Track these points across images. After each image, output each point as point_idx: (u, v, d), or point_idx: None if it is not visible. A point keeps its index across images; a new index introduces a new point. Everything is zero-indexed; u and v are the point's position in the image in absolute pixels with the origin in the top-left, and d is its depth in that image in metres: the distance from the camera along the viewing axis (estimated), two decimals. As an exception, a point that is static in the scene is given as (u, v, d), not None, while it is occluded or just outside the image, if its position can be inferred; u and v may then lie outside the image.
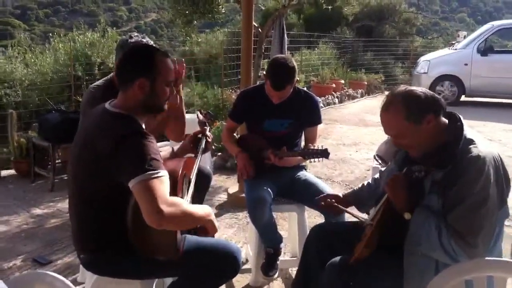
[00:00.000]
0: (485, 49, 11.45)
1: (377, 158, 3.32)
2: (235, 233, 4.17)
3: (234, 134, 3.50)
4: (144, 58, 2.09)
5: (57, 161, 5.47)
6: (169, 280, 2.46)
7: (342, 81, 12.40)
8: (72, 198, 2.15)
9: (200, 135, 2.71)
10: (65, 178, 5.05)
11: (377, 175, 2.61)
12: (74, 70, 7.46)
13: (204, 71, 11.63)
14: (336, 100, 11.60)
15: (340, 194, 2.61)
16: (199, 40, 12.79)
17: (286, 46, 7.10)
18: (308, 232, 2.66)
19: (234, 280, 3.15)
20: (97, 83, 2.93)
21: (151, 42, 2.85)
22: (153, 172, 1.84)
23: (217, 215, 4.48)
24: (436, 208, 1.99)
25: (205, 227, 2.09)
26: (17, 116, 6.00)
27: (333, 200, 2.51)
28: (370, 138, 7.90)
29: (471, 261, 1.89)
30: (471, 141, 1.99)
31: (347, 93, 12.34)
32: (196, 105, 8.11)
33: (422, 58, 12.68)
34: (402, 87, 2.11)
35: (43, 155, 5.62)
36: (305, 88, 3.59)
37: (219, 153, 6.22)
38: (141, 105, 2.08)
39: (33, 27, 71.14)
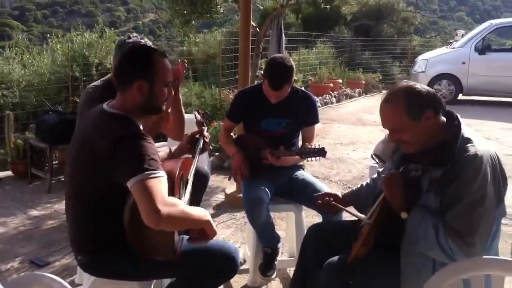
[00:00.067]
0: (483, 48, 11.46)
1: (374, 157, 3.31)
2: (233, 233, 4.16)
3: (232, 134, 3.49)
4: (142, 59, 2.09)
5: (54, 162, 5.46)
6: (167, 281, 2.46)
7: (340, 81, 12.41)
8: (69, 199, 2.14)
9: (197, 135, 2.71)
10: (62, 179, 5.03)
11: (375, 175, 2.60)
12: (71, 71, 7.46)
13: (202, 71, 11.63)
14: (334, 100, 11.61)
15: (339, 194, 2.60)
16: (197, 40, 12.80)
17: (284, 45, 7.09)
18: (305, 231, 2.66)
19: (232, 280, 3.14)
20: (95, 83, 2.93)
21: (150, 43, 2.85)
22: (151, 172, 1.83)
23: (215, 215, 4.48)
24: (433, 206, 1.99)
25: (203, 231, 2.07)
26: (14, 117, 6.00)
27: (331, 199, 2.49)
28: (368, 137, 7.91)
29: (469, 260, 1.89)
30: (468, 140, 1.98)
31: (345, 92, 12.34)
32: (194, 105, 8.11)
33: (420, 57, 12.69)
34: (403, 82, 2.12)
35: (40, 156, 5.60)
36: (302, 88, 3.59)
37: (217, 153, 6.21)
38: (139, 107, 2.08)
39: (31, 28, 71.10)
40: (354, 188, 2.66)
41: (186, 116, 3.13)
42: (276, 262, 3.11)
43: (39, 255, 3.71)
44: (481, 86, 11.29)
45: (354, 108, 11.16)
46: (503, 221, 2.13)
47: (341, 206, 2.42)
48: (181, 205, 1.90)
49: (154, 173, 1.84)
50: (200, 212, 2.03)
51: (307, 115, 3.24)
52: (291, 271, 3.31)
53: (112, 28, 10.02)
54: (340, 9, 14.93)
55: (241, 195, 3.41)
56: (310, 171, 5.09)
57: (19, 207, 4.79)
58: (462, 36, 13.20)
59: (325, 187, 3.09)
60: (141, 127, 2.09)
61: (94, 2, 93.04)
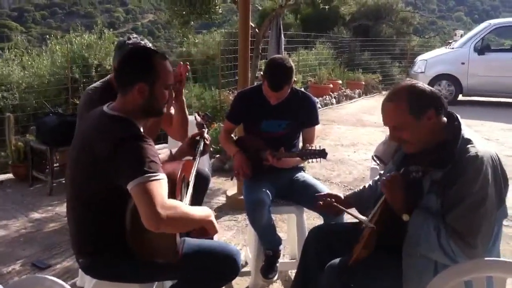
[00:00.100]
0: (482, 48, 11.46)
1: (375, 158, 3.31)
2: (234, 236, 4.16)
3: (232, 135, 3.49)
4: (142, 61, 2.09)
5: (55, 165, 5.45)
6: (168, 283, 2.46)
7: (340, 81, 12.40)
8: (70, 201, 2.14)
9: (198, 137, 2.71)
10: (63, 181, 5.04)
11: (377, 177, 2.60)
12: (71, 72, 7.45)
13: (201, 72, 11.63)
14: (334, 101, 11.61)
15: (341, 195, 2.59)
16: (196, 41, 12.80)
17: (283, 46, 7.10)
18: (307, 233, 2.66)
19: (233, 282, 3.15)
20: (95, 85, 2.92)
21: (149, 44, 2.85)
22: (151, 174, 1.84)
23: (216, 218, 4.41)
24: (434, 208, 1.99)
25: (204, 228, 2.08)
26: (14, 120, 5.99)
27: (333, 200, 2.48)
28: (368, 139, 7.90)
29: (470, 262, 1.89)
30: (469, 141, 1.99)
31: (345, 93, 12.34)
32: (194, 106, 8.10)
33: (419, 58, 12.69)
34: (407, 81, 2.13)
35: (41, 159, 5.60)
36: (302, 89, 3.58)
37: (218, 155, 6.21)
38: (140, 109, 2.08)
39: (30, 29, 71.07)
40: (356, 190, 2.65)
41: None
42: (277, 264, 3.11)
43: (41, 258, 3.71)
44: (481, 86, 11.29)
45: (354, 109, 11.17)
46: (505, 222, 2.14)
47: (342, 208, 2.41)
48: (181, 207, 1.90)
49: (154, 176, 1.84)
50: (202, 212, 2.04)
51: (307, 116, 3.24)
52: (292, 273, 3.31)
53: (111, 29, 9.99)
54: (338, 10, 14.91)
55: (242, 197, 3.42)
56: (311, 172, 5.10)
57: (20, 210, 4.78)
58: (461, 36, 13.21)
59: (326, 189, 3.09)
60: (141, 129, 2.10)
61: (93, 3, 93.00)
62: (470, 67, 11.30)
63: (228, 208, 4.78)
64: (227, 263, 2.22)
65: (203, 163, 3.35)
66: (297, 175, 3.24)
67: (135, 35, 2.92)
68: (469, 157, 1.92)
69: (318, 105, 8.22)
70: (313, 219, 3.94)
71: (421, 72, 11.82)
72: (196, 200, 2.73)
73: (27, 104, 7.29)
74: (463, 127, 2.06)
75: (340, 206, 2.42)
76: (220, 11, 7.36)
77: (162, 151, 2.75)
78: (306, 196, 3.06)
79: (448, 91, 11.43)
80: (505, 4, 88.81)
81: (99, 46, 8.25)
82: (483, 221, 1.91)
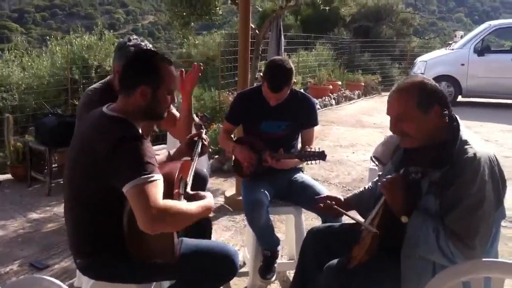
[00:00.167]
0: (482, 49, 11.47)
1: (374, 159, 3.31)
2: (232, 236, 4.16)
3: (232, 136, 3.49)
4: (148, 65, 2.09)
5: (53, 165, 5.45)
6: (166, 284, 2.47)
7: (339, 82, 12.41)
8: (67, 201, 2.14)
9: (196, 138, 2.71)
10: (62, 182, 5.04)
11: (376, 178, 2.60)
12: (71, 73, 7.45)
13: (201, 73, 11.62)
14: (333, 102, 11.61)
15: (341, 197, 2.57)
16: (197, 42, 12.83)
17: (283, 47, 7.11)
18: (305, 234, 2.65)
19: (231, 283, 3.15)
20: (94, 86, 2.92)
21: (150, 45, 2.85)
22: (147, 176, 1.83)
23: (214, 218, 4.48)
24: (433, 209, 1.99)
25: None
26: (13, 120, 5.99)
27: (333, 202, 2.47)
28: (367, 140, 7.91)
29: (468, 262, 1.89)
30: (467, 142, 1.99)
31: (344, 94, 12.35)
32: (193, 107, 8.08)
33: (419, 59, 12.70)
34: (419, 76, 2.13)
35: (40, 159, 5.59)
36: (302, 90, 3.58)
37: (216, 156, 6.21)
38: (141, 112, 2.08)
39: (30, 30, 71.07)
40: (356, 192, 2.64)
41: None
42: (275, 265, 3.11)
43: (39, 258, 3.71)
44: (480, 87, 11.29)
45: (354, 110, 11.17)
46: (503, 223, 2.13)
47: (342, 210, 2.39)
48: (176, 205, 1.90)
49: (150, 177, 1.84)
50: (199, 205, 2.02)
51: (306, 117, 3.24)
52: (290, 273, 3.31)
53: (111, 31, 10.01)
54: (339, 11, 14.98)
55: (240, 197, 3.41)
56: (309, 173, 5.09)
57: (19, 210, 4.78)
58: (461, 37, 13.20)
59: (324, 190, 3.10)
60: (140, 131, 2.10)
61: (93, 4, 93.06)
62: (470, 68, 11.30)
63: (226, 209, 4.78)
64: (225, 264, 2.23)
65: (202, 163, 3.36)
66: (295, 175, 3.24)
67: (135, 37, 2.91)
68: (467, 158, 1.92)
69: (318, 106, 8.23)
70: (311, 220, 3.94)
71: (421, 73, 11.80)
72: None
73: (27, 105, 7.29)
74: (461, 128, 2.06)
75: (340, 209, 2.40)
76: (221, 12, 7.38)
77: (160, 152, 2.75)
78: (304, 197, 3.06)
79: (447, 92, 11.41)
80: (505, 5, 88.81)
81: (99, 47, 8.25)
82: (481, 223, 1.91)
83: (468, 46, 11.54)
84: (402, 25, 19.44)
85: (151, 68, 2.08)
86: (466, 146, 1.96)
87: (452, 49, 12.15)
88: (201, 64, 2.88)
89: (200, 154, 2.66)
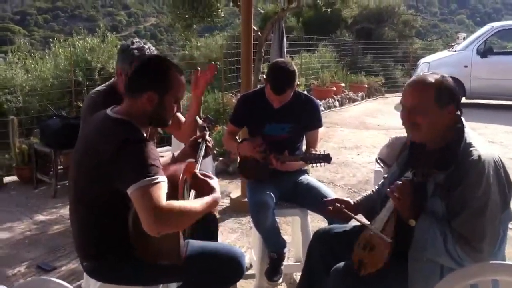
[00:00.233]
0: (485, 51, 11.43)
1: (379, 161, 3.32)
2: (239, 238, 4.17)
3: (236, 138, 3.49)
4: (159, 72, 2.11)
5: (59, 167, 5.47)
6: (173, 286, 2.47)
7: (343, 84, 12.40)
8: (72, 203, 2.15)
9: (200, 140, 2.71)
10: (67, 184, 5.05)
11: (382, 181, 2.60)
12: (74, 75, 7.48)
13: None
14: (337, 103, 11.60)
15: (351, 200, 2.53)
16: (199, 44, 12.83)
17: (285, 49, 7.12)
18: (311, 236, 2.65)
19: (238, 285, 3.14)
20: (98, 88, 2.93)
21: (153, 48, 2.85)
22: (151, 178, 1.84)
23: (220, 220, 4.47)
24: (440, 212, 1.99)
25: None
26: (18, 122, 6.01)
27: (343, 206, 2.41)
28: (372, 141, 7.90)
29: (476, 265, 1.89)
30: (472, 143, 1.99)
31: (348, 96, 12.33)
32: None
33: (422, 60, 12.67)
34: (438, 73, 2.13)
35: (45, 161, 5.62)
36: (305, 92, 3.59)
37: (221, 158, 6.22)
38: (146, 116, 2.09)
39: (32, 33, 71.13)
40: (364, 195, 2.60)
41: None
42: (282, 267, 3.11)
43: (46, 260, 3.72)
44: (483, 89, 11.26)
45: (357, 112, 11.15)
46: (510, 225, 2.13)
47: (352, 215, 2.35)
48: (180, 205, 1.89)
49: (154, 179, 1.84)
50: (203, 201, 2.02)
51: (310, 119, 3.24)
52: (297, 276, 3.31)
53: (114, 33, 10.05)
54: (341, 13, 14.98)
55: (246, 199, 3.42)
56: (314, 175, 5.09)
57: (25, 212, 4.80)
58: (464, 39, 13.19)
59: (330, 192, 3.09)
60: (144, 134, 2.11)
61: (95, 6, 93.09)
62: (473, 70, 11.28)
63: (232, 211, 4.79)
64: (231, 266, 2.23)
65: (207, 165, 3.36)
66: (300, 177, 3.25)
67: (137, 39, 2.92)
68: (471, 161, 1.92)
69: (321, 108, 8.23)
70: (317, 222, 3.94)
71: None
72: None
73: (31, 107, 7.32)
74: (466, 129, 2.06)
75: (349, 213, 2.35)
76: (223, 15, 7.39)
77: (165, 154, 2.75)
78: (310, 199, 3.06)
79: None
80: (508, 7, 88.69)
81: (102, 49, 8.28)
82: (487, 225, 1.91)
83: (471, 47, 11.52)
84: (404, 27, 19.44)
85: (162, 75, 2.09)
86: (471, 148, 1.96)
87: (455, 51, 12.13)
88: (217, 63, 2.88)
89: (204, 156, 2.66)
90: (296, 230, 3.37)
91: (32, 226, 4.44)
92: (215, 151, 6.04)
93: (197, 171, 2.28)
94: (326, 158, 2.91)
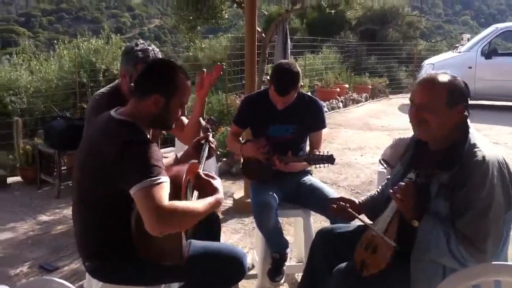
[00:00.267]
0: (489, 52, 11.40)
1: (382, 162, 3.31)
2: (241, 239, 4.17)
3: (240, 139, 3.49)
4: (168, 75, 2.13)
5: (63, 168, 5.48)
6: (175, 286, 2.47)
7: (346, 85, 12.38)
8: (75, 204, 2.16)
9: (203, 141, 2.72)
10: (71, 184, 5.06)
11: (385, 181, 2.59)
12: (79, 77, 7.50)
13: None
14: (341, 104, 11.59)
15: (355, 200, 2.51)
16: (203, 45, 12.85)
17: (289, 51, 7.11)
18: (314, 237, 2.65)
19: (240, 285, 3.15)
20: (102, 90, 2.94)
21: (157, 50, 2.86)
22: (154, 178, 1.85)
23: (223, 221, 4.48)
24: (444, 212, 1.98)
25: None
26: (22, 123, 6.03)
27: (347, 205, 2.39)
28: (375, 142, 7.88)
29: (479, 266, 1.89)
30: (476, 144, 1.99)
31: (352, 97, 12.31)
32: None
33: (426, 62, 12.64)
34: (449, 73, 2.13)
35: (49, 162, 5.63)
36: (309, 93, 3.59)
37: (224, 159, 6.22)
38: (150, 118, 2.11)
39: (37, 34, 71.30)
40: (368, 195, 2.59)
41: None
42: (284, 268, 3.11)
43: (48, 260, 3.74)
44: (488, 90, 11.22)
45: (361, 113, 11.13)
46: (512, 226, 2.13)
47: (355, 214, 2.33)
48: (183, 206, 1.89)
49: (156, 179, 1.85)
50: (206, 202, 2.02)
51: (314, 120, 3.24)
52: (299, 276, 3.30)
53: (118, 34, 10.08)
54: (344, 14, 14.95)
55: (249, 200, 3.42)
56: (318, 176, 5.07)
57: (28, 213, 4.81)
58: (468, 40, 13.14)
59: (333, 192, 3.09)
60: (148, 135, 2.11)
61: (100, 8, 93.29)
62: (477, 71, 11.24)
63: (235, 211, 4.79)
64: (233, 266, 2.24)
65: (210, 166, 3.37)
66: (304, 178, 3.25)
67: (141, 41, 2.93)
68: (476, 161, 1.92)
69: (325, 109, 8.23)
70: (320, 223, 3.93)
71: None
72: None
73: (35, 108, 7.35)
74: (471, 130, 2.06)
75: (353, 212, 2.34)
76: (227, 16, 7.39)
77: (168, 155, 2.76)
78: (313, 200, 3.06)
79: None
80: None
81: (106, 51, 8.30)
82: (491, 226, 1.91)
83: (475, 49, 11.49)
84: (409, 28, 19.40)
85: (170, 78, 2.12)
86: (475, 149, 1.96)
87: (459, 52, 12.09)
88: (223, 64, 2.88)
89: (207, 157, 2.66)
90: (299, 230, 3.37)
91: (35, 226, 4.46)
92: (218, 152, 6.05)
93: (200, 171, 2.28)
94: (329, 159, 2.91)
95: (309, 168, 3.37)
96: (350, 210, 2.36)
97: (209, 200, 2.05)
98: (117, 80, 2.96)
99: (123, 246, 2.03)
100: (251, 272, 3.39)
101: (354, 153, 7.28)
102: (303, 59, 12.54)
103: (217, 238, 2.74)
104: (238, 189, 5.28)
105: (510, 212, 2.00)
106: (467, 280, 1.84)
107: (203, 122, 2.92)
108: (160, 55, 2.87)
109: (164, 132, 3.26)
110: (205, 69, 2.80)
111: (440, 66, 11.65)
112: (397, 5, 18.59)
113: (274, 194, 3.01)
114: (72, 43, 8.61)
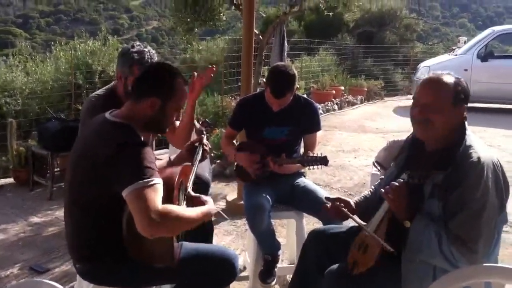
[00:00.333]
0: (485, 55, 11.43)
1: (376, 164, 3.31)
2: (234, 240, 4.16)
3: (234, 141, 3.48)
4: (166, 79, 2.14)
5: (56, 170, 5.46)
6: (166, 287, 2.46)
7: (342, 88, 12.40)
8: (68, 206, 2.16)
9: (197, 144, 2.71)
10: (63, 186, 5.05)
11: (378, 181, 2.59)
12: (74, 78, 7.48)
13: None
14: (336, 107, 11.59)
15: (351, 201, 2.48)
16: (200, 47, 12.84)
17: (286, 53, 7.12)
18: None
19: (231, 287, 3.13)
20: (98, 92, 2.93)
21: (153, 51, 2.86)
22: (146, 180, 1.84)
23: (215, 223, 4.46)
24: (436, 213, 1.98)
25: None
26: (16, 125, 6.01)
27: (342, 204, 2.37)
28: (369, 145, 7.89)
29: (469, 267, 1.89)
30: (472, 146, 1.99)
31: (347, 99, 12.32)
32: (196, 112, 8.09)
33: (422, 64, 12.67)
34: (452, 74, 2.14)
35: (42, 164, 5.61)
36: (304, 95, 3.58)
37: (218, 161, 6.21)
38: (145, 121, 2.11)
39: (34, 36, 71.28)
40: (362, 196, 2.58)
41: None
42: (276, 269, 3.10)
43: (39, 262, 3.72)
44: (484, 93, 11.23)
45: (356, 115, 11.14)
46: (504, 228, 2.13)
47: (349, 214, 2.31)
48: (175, 210, 1.89)
49: (149, 181, 1.85)
50: (199, 210, 2.03)
51: (309, 123, 3.24)
52: (291, 278, 3.30)
53: (115, 36, 10.02)
54: (342, 16, 14.99)
55: (242, 202, 3.41)
56: (311, 178, 5.08)
57: (20, 214, 4.79)
58: (465, 42, 13.17)
59: (327, 195, 3.08)
60: (142, 138, 2.11)
61: (98, 10, 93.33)
62: (473, 73, 11.25)
63: (227, 213, 4.75)
64: (225, 268, 2.23)
65: (204, 168, 3.36)
66: (297, 180, 3.24)
67: (138, 43, 2.93)
68: (471, 162, 1.92)
69: (320, 111, 8.22)
70: (312, 224, 3.92)
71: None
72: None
73: (30, 109, 7.33)
74: (468, 132, 2.07)
75: (347, 212, 2.32)
76: (224, 18, 7.40)
77: (162, 157, 2.75)
78: (306, 202, 3.06)
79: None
80: (509, 11, 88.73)
81: (103, 52, 8.29)
82: (484, 227, 1.91)
83: (471, 51, 11.51)
84: (406, 31, 19.45)
85: (168, 83, 2.13)
86: (471, 151, 1.97)
87: (456, 55, 12.12)
88: (214, 66, 2.88)
89: (201, 160, 2.66)
90: (291, 232, 3.36)
91: (27, 228, 4.44)
92: (212, 154, 6.04)
93: (190, 190, 2.29)
94: (323, 161, 2.91)
95: (302, 170, 3.36)
96: (344, 209, 2.35)
97: (202, 209, 2.06)
98: (113, 82, 2.96)
99: (117, 247, 2.02)
100: (243, 273, 3.38)
101: (348, 155, 7.28)
102: (300, 62, 12.55)
103: (209, 239, 2.74)
104: (231, 191, 5.27)
105: (503, 214, 2.01)
106: (458, 281, 1.84)
107: (197, 125, 2.92)
108: (156, 57, 2.87)
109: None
110: (196, 73, 2.80)
111: (436, 68, 11.63)
112: (395, 8, 18.67)
113: (268, 196, 3.00)
114: (69, 44, 8.59)
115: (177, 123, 2.90)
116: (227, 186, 5.67)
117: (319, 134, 3.32)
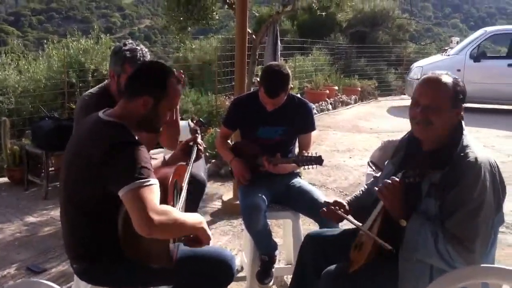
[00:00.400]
0: (478, 55, 11.48)
1: (371, 164, 3.33)
2: (230, 241, 4.16)
3: (228, 141, 3.49)
4: (158, 77, 2.13)
5: (50, 169, 5.45)
6: (162, 288, 2.46)
7: (336, 87, 12.42)
8: (63, 205, 2.15)
9: (191, 143, 2.71)
10: (58, 185, 5.03)
11: (372, 180, 2.60)
12: (67, 77, 7.45)
13: (198, 78, 11.63)
14: (330, 107, 11.61)
15: (344, 202, 2.49)
16: (193, 46, 12.84)
17: (279, 52, 7.12)
18: (303, 239, 2.64)
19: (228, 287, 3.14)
20: (91, 90, 2.93)
21: (146, 50, 2.86)
22: (143, 180, 1.85)
23: (212, 223, 4.47)
24: (433, 212, 1.99)
25: (197, 237, 2.08)
26: (10, 124, 5.98)
27: (337, 207, 2.39)
28: (364, 145, 7.90)
29: (467, 268, 1.89)
30: (468, 146, 2.00)
31: (341, 99, 12.35)
32: (190, 111, 8.10)
33: (415, 64, 12.72)
34: (450, 74, 2.16)
35: (37, 163, 5.59)
36: (298, 95, 3.59)
37: (213, 160, 6.20)
38: (138, 119, 2.11)
39: (26, 34, 70.88)
40: (353, 196, 2.60)
41: (181, 123, 3.12)
42: (273, 270, 3.10)
43: (36, 262, 3.70)
44: (476, 93, 11.25)
45: (350, 115, 11.17)
46: (501, 229, 2.14)
47: (344, 215, 2.34)
48: (173, 212, 1.90)
49: (146, 181, 1.85)
50: (195, 219, 2.04)
51: (303, 122, 3.24)
52: (288, 278, 3.30)
53: (108, 34, 9.99)
54: (335, 16, 14.97)
55: (238, 202, 3.41)
56: (307, 178, 5.09)
57: (16, 214, 4.77)
58: (457, 43, 13.23)
59: (322, 195, 3.09)
60: (136, 137, 2.10)
61: (90, 8, 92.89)
62: (466, 74, 11.28)
63: (223, 213, 4.78)
64: (221, 268, 2.23)
65: (199, 168, 3.36)
66: (293, 180, 3.24)
67: (130, 41, 2.93)
68: (468, 162, 1.93)
69: (314, 111, 8.23)
70: (308, 225, 3.93)
71: (417, 79, 11.78)
72: (192, 206, 2.73)
73: (23, 108, 7.28)
74: (464, 132, 2.08)
75: (342, 214, 2.35)
76: (217, 17, 7.37)
77: (157, 156, 2.75)
78: (302, 202, 3.06)
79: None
80: (501, 11, 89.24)
81: (95, 51, 8.25)
82: (481, 227, 1.92)
83: (464, 52, 11.56)
84: (398, 31, 19.50)
85: (161, 82, 2.12)
86: (468, 151, 1.98)
87: (448, 55, 12.18)
88: (180, 71, 2.86)
89: (195, 159, 2.66)
90: (288, 233, 3.36)
91: (23, 228, 4.42)
92: (207, 154, 6.03)
93: (185, 182, 2.29)
94: (318, 160, 2.91)
95: (298, 170, 3.37)
96: (339, 212, 2.37)
97: (200, 218, 2.06)
98: (106, 81, 2.95)
99: (113, 247, 2.02)
100: (240, 274, 3.38)
101: (342, 155, 7.29)
102: (293, 61, 12.55)
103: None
104: (227, 191, 5.27)
105: (499, 214, 2.02)
106: (455, 282, 1.84)
107: (191, 124, 2.92)
108: (148, 55, 2.87)
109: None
110: (181, 71, 2.81)
111: (429, 69, 11.71)
112: (387, 8, 18.71)
113: (263, 196, 3.01)
114: (61, 42, 8.54)
115: None
116: (222, 186, 5.66)
117: (313, 134, 3.32)
